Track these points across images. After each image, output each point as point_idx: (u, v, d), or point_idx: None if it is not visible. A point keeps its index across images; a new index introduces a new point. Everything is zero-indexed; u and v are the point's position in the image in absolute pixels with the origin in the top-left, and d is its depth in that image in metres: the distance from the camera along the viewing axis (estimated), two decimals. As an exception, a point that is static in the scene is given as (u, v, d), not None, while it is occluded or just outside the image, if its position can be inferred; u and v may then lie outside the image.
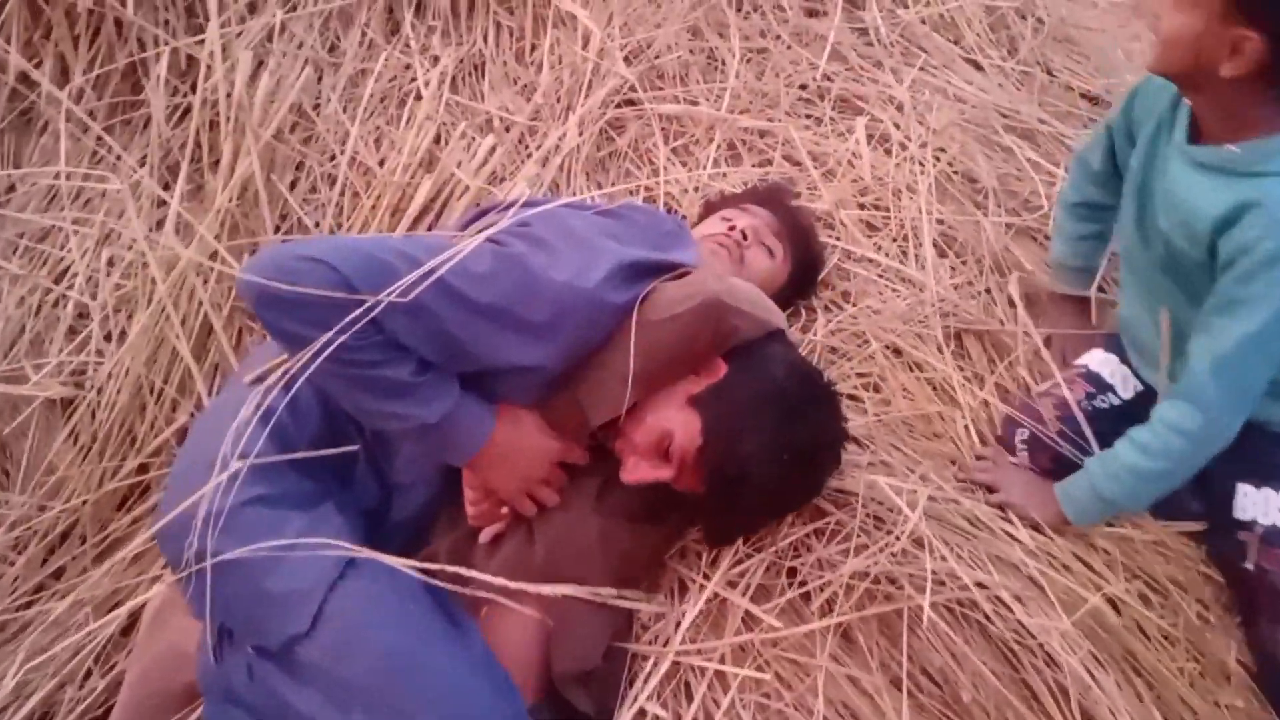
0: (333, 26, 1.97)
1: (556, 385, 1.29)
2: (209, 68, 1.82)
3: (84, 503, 1.58)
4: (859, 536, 1.37)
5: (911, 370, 1.66)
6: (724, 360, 1.31)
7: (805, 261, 1.71)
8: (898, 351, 1.67)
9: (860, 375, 1.63)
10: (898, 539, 1.32)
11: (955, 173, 1.98)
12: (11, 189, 1.83)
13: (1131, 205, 1.51)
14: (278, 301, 1.12)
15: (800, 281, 1.72)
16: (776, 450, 1.25)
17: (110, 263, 1.74)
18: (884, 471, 1.49)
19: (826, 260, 1.80)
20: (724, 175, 1.95)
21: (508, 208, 1.32)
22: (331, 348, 1.10)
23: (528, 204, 1.32)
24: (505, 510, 1.34)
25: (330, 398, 1.29)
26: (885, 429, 1.55)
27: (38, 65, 1.85)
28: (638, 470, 1.30)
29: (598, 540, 1.32)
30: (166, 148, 1.82)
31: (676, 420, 1.28)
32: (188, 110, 1.85)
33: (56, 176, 1.79)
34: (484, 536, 1.35)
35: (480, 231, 1.25)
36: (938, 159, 1.98)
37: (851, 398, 1.60)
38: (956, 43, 2.33)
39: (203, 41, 1.83)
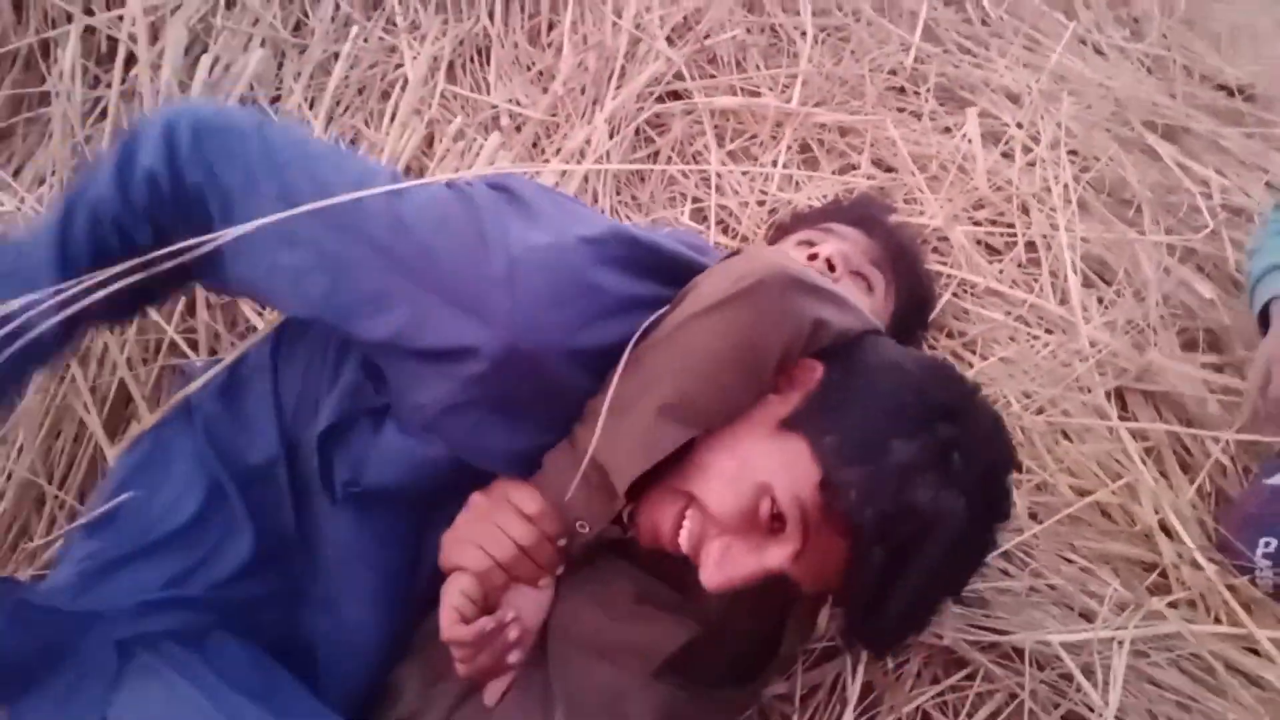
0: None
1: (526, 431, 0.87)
2: (131, 51, 1.45)
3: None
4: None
5: (1069, 440, 1.28)
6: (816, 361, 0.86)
7: (913, 296, 1.32)
8: (1044, 415, 1.28)
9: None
10: None
11: (1092, 182, 1.60)
12: None
13: None
14: None
15: (907, 323, 1.33)
16: (942, 457, 0.78)
17: (-3, 306, 1.36)
18: (1053, 599, 1.10)
19: (938, 294, 1.42)
20: (797, 185, 1.57)
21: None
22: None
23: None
24: (513, 656, 0.93)
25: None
26: (1048, 532, 1.15)
27: (-88, 49, 1.48)
28: (732, 562, 0.81)
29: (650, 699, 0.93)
30: (77, 154, 1.45)
31: (767, 459, 0.81)
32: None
33: (-68, 192, 1.42)
34: (488, 697, 0.94)
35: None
36: (1071, 162, 1.59)
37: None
38: (1070, 20, 1.95)
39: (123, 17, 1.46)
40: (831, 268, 1.21)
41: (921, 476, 0.76)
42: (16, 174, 1.48)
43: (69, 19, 1.51)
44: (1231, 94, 1.98)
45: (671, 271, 0.87)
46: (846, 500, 0.76)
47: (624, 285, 0.84)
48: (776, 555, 0.80)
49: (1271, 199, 1.54)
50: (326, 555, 0.99)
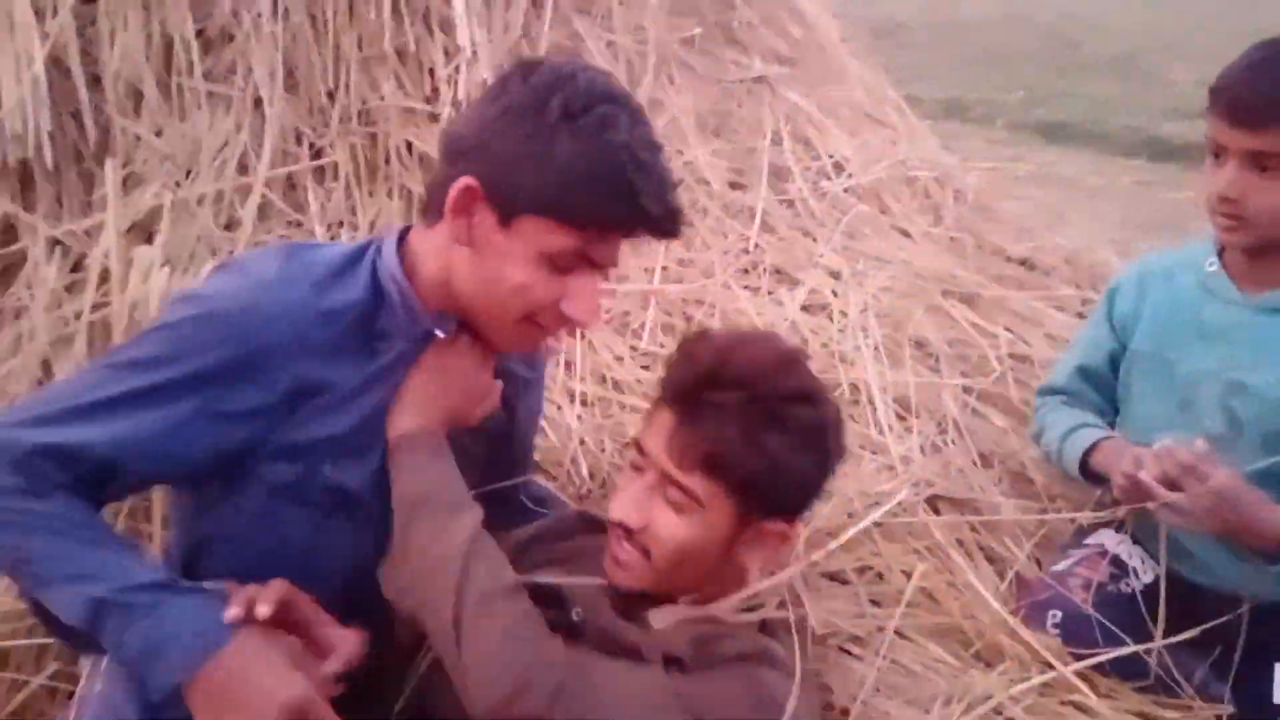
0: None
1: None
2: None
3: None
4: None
5: (892, 541, 1.63)
6: None
7: None
8: (877, 523, 1.63)
9: (845, 551, 1.57)
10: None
11: (905, 339, 2.03)
12: None
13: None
14: None
15: None
16: None
17: None
18: (902, 674, 1.41)
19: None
20: (661, 345, 1.95)
21: None
22: None
23: None
24: None
25: None
26: (885, 615, 1.48)
27: None
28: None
29: None
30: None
31: None
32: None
33: None
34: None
35: None
36: (882, 326, 2.03)
37: (840, 580, 1.55)
38: (884, 212, 2.46)
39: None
40: None
41: None
42: None
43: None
44: (1021, 263, 2.51)
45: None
46: None
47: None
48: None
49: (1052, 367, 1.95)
50: None
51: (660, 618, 1.22)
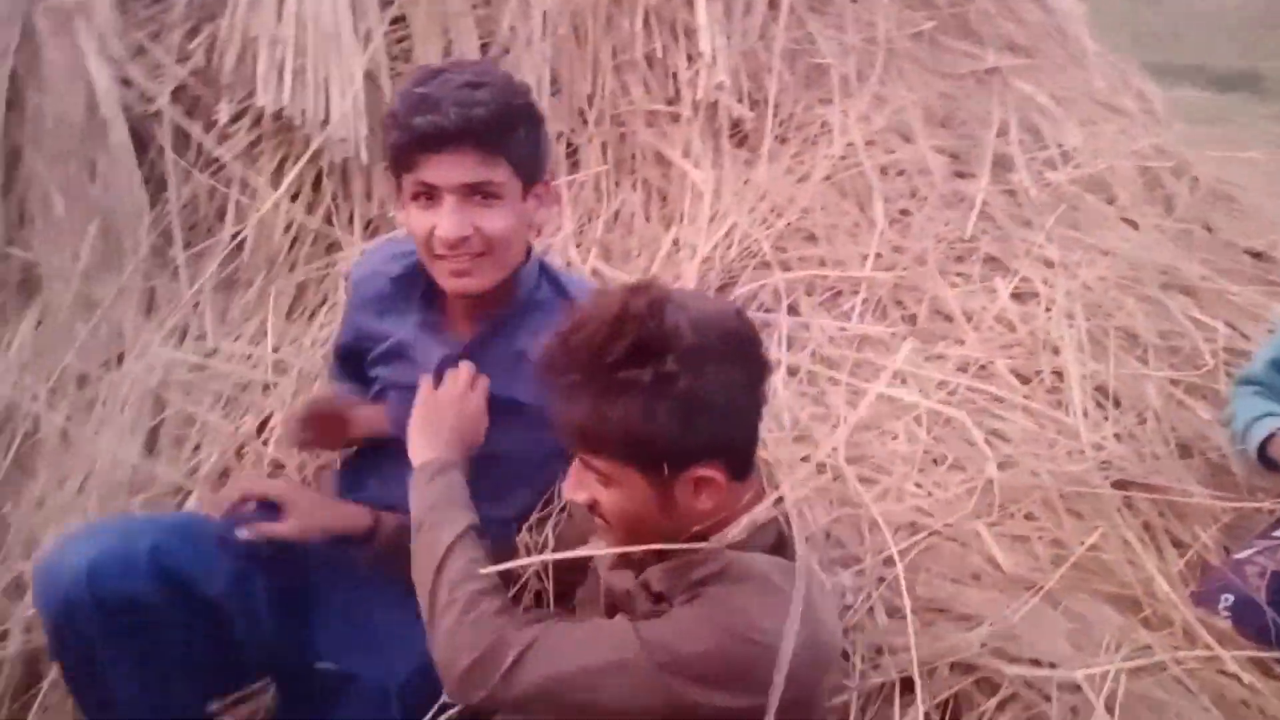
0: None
1: None
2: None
3: None
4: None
5: (1079, 517, 1.74)
6: None
7: None
8: (1062, 497, 1.75)
9: (1028, 518, 1.71)
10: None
11: (1113, 329, 2.11)
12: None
13: None
14: None
15: None
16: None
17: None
18: (1076, 624, 1.53)
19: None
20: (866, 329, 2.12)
21: None
22: None
23: None
24: None
25: None
26: (1063, 581, 1.59)
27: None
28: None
29: None
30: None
31: None
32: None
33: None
34: None
35: None
36: (1091, 316, 2.11)
37: (1021, 539, 1.68)
38: (1111, 202, 2.50)
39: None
40: None
41: None
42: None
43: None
44: (1258, 257, 2.48)
45: None
46: None
47: None
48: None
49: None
50: None
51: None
